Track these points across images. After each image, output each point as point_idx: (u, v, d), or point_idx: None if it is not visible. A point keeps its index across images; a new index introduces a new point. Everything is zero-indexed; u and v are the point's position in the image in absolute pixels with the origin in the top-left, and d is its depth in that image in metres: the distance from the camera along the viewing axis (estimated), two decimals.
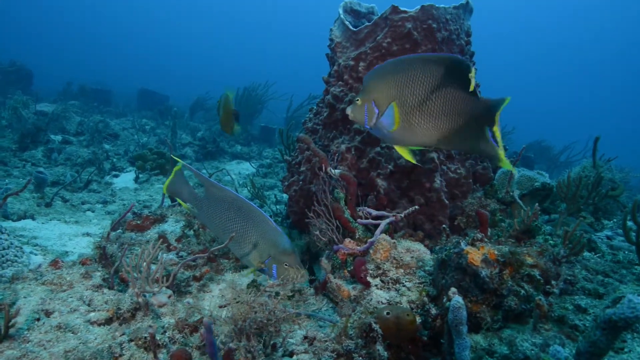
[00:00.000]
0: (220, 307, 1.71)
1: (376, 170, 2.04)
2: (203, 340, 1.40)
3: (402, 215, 1.83)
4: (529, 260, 1.35)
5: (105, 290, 1.63)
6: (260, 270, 1.79)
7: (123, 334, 1.37)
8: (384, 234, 1.69)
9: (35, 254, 2.25)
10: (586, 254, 1.60)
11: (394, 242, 1.66)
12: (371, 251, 1.64)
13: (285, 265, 1.73)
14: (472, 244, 1.34)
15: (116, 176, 4.66)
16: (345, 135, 2.19)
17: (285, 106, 7.78)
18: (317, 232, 1.88)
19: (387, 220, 1.80)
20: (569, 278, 1.40)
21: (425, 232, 2.06)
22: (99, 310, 1.49)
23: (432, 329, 1.34)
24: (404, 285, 1.46)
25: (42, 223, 2.83)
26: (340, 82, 2.21)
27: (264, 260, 1.78)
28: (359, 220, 1.85)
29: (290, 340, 1.52)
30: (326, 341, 1.36)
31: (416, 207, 1.84)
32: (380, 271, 1.53)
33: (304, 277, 1.77)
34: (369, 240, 1.71)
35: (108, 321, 1.47)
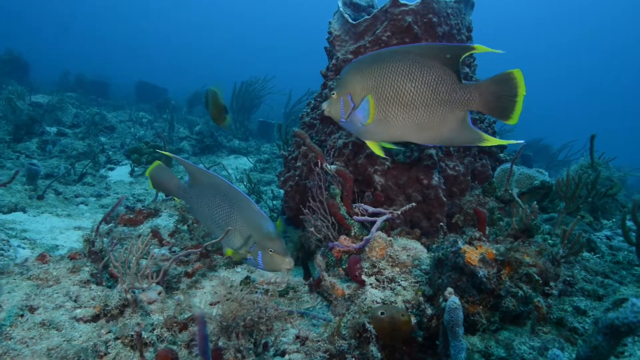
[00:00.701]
0: (211, 304, 1.67)
1: (373, 167, 2.00)
2: (192, 337, 1.36)
3: (399, 212, 1.79)
4: (528, 260, 1.32)
5: (93, 286, 1.59)
6: (245, 259, 1.72)
7: (109, 332, 1.33)
8: (380, 232, 1.66)
9: (24, 248, 2.20)
10: (585, 254, 1.57)
11: (390, 240, 1.62)
12: (367, 249, 1.60)
13: (270, 251, 1.66)
14: (470, 243, 1.30)
15: (111, 169, 4.61)
16: (343, 130, 2.15)
17: (284, 101, 7.72)
18: (312, 229, 1.84)
19: (384, 218, 1.76)
20: (568, 279, 1.36)
21: (422, 230, 2.02)
22: (85, 307, 1.45)
23: (428, 330, 1.30)
24: (399, 285, 1.42)
25: (33, 216, 2.79)
26: (338, 76, 2.17)
27: (249, 247, 1.71)
28: (354, 217, 1.82)
29: (283, 339, 1.49)
30: (319, 341, 1.33)
31: (413, 204, 1.80)
32: (375, 269, 1.50)
33: (290, 264, 1.69)
34: (365, 237, 1.67)
35: (94, 318, 1.43)
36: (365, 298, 1.39)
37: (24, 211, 2.84)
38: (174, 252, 2.23)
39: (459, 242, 1.26)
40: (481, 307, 1.22)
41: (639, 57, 39.18)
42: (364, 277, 1.48)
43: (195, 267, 1.97)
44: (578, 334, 1.12)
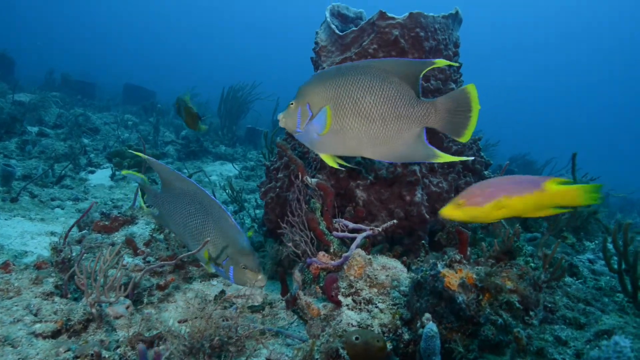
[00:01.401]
0: (180, 322, 1.60)
1: (356, 181, 1.96)
2: (156, 359, 1.29)
3: (380, 229, 1.74)
4: (509, 285, 1.28)
5: (57, 299, 1.51)
6: (216, 270, 1.66)
7: (68, 350, 1.26)
8: (359, 249, 1.60)
9: None
10: (567, 279, 1.54)
11: (370, 259, 1.57)
12: (345, 267, 1.55)
13: (243, 267, 1.61)
14: (450, 266, 1.26)
15: (92, 172, 4.51)
16: None
17: (272, 107, 7.67)
18: (290, 244, 1.79)
19: (364, 235, 1.71)
20: (549, 305, 1.32)
21: (403, 247, 1.98)
22: (46, 321, 1.38)
23: (405, 356, 1.25)
24: (376, 307, 1.37)
25: (4, 219, 2.68)
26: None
27: (221, 261, 1.65)
28: (334, 232, 1.76)
29: (255, 359, 1.43)
30: None
31: (394, 221, 1.75)
32: (352, 290, 1.44)
33: (262, 281, 1.64)
34: (344, 255, 1.62)
35: (55, 334, 1.36)
36: (341, 320, 1.33)
37: None
38: (149, 262, 2.16)
39: (439, 266, 1.22)
40: (459, 334, 1.17)
41: (630, 78, 39.97)
42: (340, 297, 1.42)
43: (168, 280, 1.90)
44: None
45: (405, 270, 1.64)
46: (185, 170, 5.29)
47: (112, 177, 4.34)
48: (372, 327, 1.30)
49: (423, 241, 1.89)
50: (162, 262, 1.83)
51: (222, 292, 1.93)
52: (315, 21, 2.33)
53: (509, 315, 1.15)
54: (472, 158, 1.42)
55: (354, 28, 2.05)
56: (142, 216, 2.64)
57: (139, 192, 2.95)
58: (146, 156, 1.73)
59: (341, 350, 1.15)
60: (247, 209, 3.68)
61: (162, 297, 1.83)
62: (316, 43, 2.17)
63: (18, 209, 2.92)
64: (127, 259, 2.14)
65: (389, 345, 1.21)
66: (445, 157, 1.37)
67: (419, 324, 1.21)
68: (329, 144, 1.44)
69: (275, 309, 1.89)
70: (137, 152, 1.82)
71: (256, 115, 8.95)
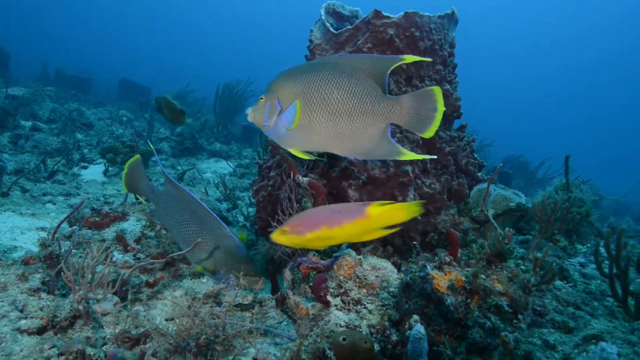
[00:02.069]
0: (167, 320, 1.58)
1: (348, 181, 1.95)
2: (141, 357, 1.28)
3: None
4: (498, 287, 1.27)
5: (43, 295, 1.49)
6: (214, 275, 1.70)
7: (53, 346, 1.24)
8: (349, 249, 1.60)
9: None
10: (558, 282, 1.53)
11: (360, 259, 1.56)
12: (335, 267, 1.55)
13: (242, 274, 1.64)
14: (439, 268, 1.25)
15: (85, 168, 4.48)
16: None
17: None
18: None
19: None
20: (538, 309, 1.32)
21: (395, 248, 1.97)
22: (31, 318, 1.36)
23: (392, 357, 1.25)
24: (365, 307, 1.36)
25: None
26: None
27: (219, 270, 1.70)
28: None
29: (242, 358, 1.42)
30: None
31: None
32: (341, 290, 1.44)
33: (261, 284, 1.69)
34: (334, 255, 1.61)
35: (41, 330, 1.34)
36: (329, 320, 1.33)
37: None
38: (139, 259, 2.14)
39: (428, 267, 1.21)
40: (447, 336, 1.17)
41: (627, 80, 40.17)
42: (329, 297, 1.42)
43: (158, 277, 1.88)
44: None
45: (395, 271, 1.63)
46: (179, 167, 5.27)
47: (105, 172, 4.31)
48: (361, 328, 1.30)
49: (414, 242, 1.89)
50: (152, 260, 1.82)
51: (217, 293, 1.92)
52: (311, 18, 2.32)
53: (497, 318, 1.14)
54: (435, 157, 1.45)
55: (349, 26, 2.04)
56: (133, 213, 2.62)
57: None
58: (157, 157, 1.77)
59: (328, 351, 1.14)
60: (240, 207, 3.67)
61: (151, 295, 1.81)
62: (311, 41, 2.16)
63: (9, 204, 2.90)
64: (117, 256, 2.13)
65: (376, 347, 1.21)
66: (409, 155, 1.40)
67: (407, 326, 1.20)
68: (297, 139, 1.45)
69: (265, 308, 1.87)
70: (151, 146, 1.82)
71: None
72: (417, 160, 2.00)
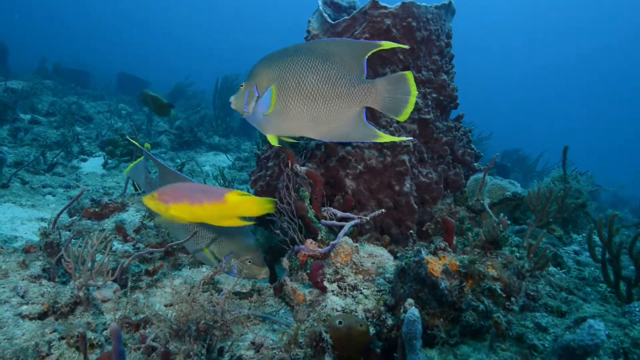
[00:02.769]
0: (166, 306, 1.61)
1: (345, 170, 1.97)
2: (141, 341, 1.30)
3: (368, 218, 1.75)
4: (492, 272, 1.29)
5: (44, 282, 1.51)
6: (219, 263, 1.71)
7: (54, 331, 1.26)
8: (346, 237, 1.62)
9: None
10: (552, 268, 1.55)
11: (356, 246, 1.58)
12: (332, 254, 1.57)
13: (249, 262, 1.66)
14: (434, 253, 1.27)
15: (84, 160, 4.49)
16: None
17: None
18: (278, 231, 1.80)
19: (352, 223, 1.72)
20: (531, 294, 1.34)
21: (392, 237, 1.99)
22: (33, 303, 1.38)
23: (388, 341, 1.27)
24: (361, 293, 1.38)
25: None
26: None
27: (224, 257, 1.70)
28: (322, 221, 1.77)
29: (240, 344, 1.44)
30: (274, 349, 1.28)
31: (382, 210, 1.76)
32: (338, 276, 1.46)
33: (266, 274, 1.70)
34: (331, 242, 1.63)
35: (42, 316, 1.36)
36: (326, 305, 1.35)
37: None
38: (138, 248, 2.16)
39: (423, 252, 1.23)
40: (441, 319, 1.19)
41: (627, 74, 40.09)
42: (326, 283, 1.44)
43: (157, 266, 1.90)
44: (537, 351, 1.10)
45: (391, 258, 1.65)
46: (178, 160, 5.28)
47: (105, 165, 4.33)
48: (357, 313, 1.32)
49: (411, 231, 1.91)
50: (151, 249, 1.84)
51: (211, 278, 1.94)
52: (309, 10, 2.33)
53: (490, 301, 1.16)
54: (410, 138, 1.49)
55: (346, 17, 2.05)
56: (132, 203, 2.64)
57: (130, 181, 2.95)
58: (145, 151, 1.76)
59: (324, 334, 1.16)
60: None
61: (150, 283, 1.83)
62: (308, 32, 2.17)
63: (8, 195, 2.91)
64: (117, 245, 2.15)
65: (372, 330, 1.23)
66: (384, 137, 1.43)
67: (402, 309, 1.22)
68: (274, 124, 1.49)
69: (264, 296, 1.90)
70: (132, 140, 1.84)
71: None
72: (414, 149, 2.02)
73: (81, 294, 1.46)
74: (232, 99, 1.53)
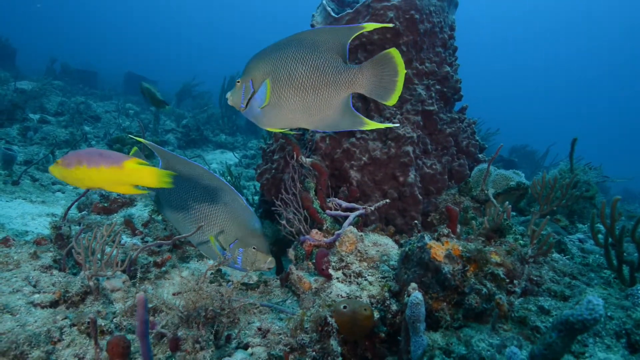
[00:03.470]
0: (174, 294, 1.63)
1: (350, 162, 1.98)
2: (151, 328, 1.33)
3: (372, 208, 1.77)
4: (495, 259, 1.30)
5: (55, 272, 1.55)
6: (215, 255, 1.68)
7: (65, 318, 1.29)
8: (351, 227, 1.64)
9: None
10: (555, 255, 1.56)
11: (361, 235, 1.60)
12: (337, 243, 1.58)
13: (254, 248, 1.62)
14: (438, 239, 1.28)
15: None
16: None
17: None
18: (284, 222, 1.82)
19: (357, 213, 1.74)
20: (535, 279, 1.35)
21: (397, 227, 2.01)
22: (44, 292, 1.41)
23: (392, 326, 1.28)
24: (365, 279, 1.40)
25: (6, 201, 2.72)
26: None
27: (229, 244, 1.66)
28: (327, 211, 1.79)
29: (247, 331, 1.46)
30: (280, 334, 1.30)
31: (387, 200, 1.78)
32: (343, 264, 1.48)
33: (272, 263, 1.66)
34: (336, 232, 1.65)
35: (53, 304, 1.39)
36: (331, 292, 1.37)
37: None
38: (146, 242, 2.19)
39: (426, 238, 1.25)
40: (445, 303, 1.20)
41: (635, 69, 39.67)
42: (331, 271, 1.46)
43: (165, 258, 1.93)
44: (540, 332, 1.11)
45: (396, 247, 1.67)
46: (185, 158, 5.32)
47: None
48: (361, 298, 1.33)
49: (416, 221, 1.92)
50: (158, 242, 1.86)
51: (219, 270, 1.97)
52: (313, 4, 2.34)
53: (493, 285, 1.18)
54: (398, 125, 1.48)
55: (349, 10, 2.06)
56: (140, 199, 2.68)
57: None
58: (147, 142, 1.75)
59: (329, 319, 1.18)
60: (245, 195, 3.71)
61: (158, 274, 1.86)
62: (312, 26, 2.19)
63: (19, 192, 2.96)
64: (125, 239, 2.18)
65: (376, 315, 1.25)
66: (371, 125, 1.43)
67: (406, 294, 1.24)
68: (270, 117, 1.50)
69: (270, 287, 1.92)
70: (137, 138, 1.84)
71: None
72: (419, 141, 2.03)
73: (91, 283, 1.49)
74: (228, 95, 1.55)
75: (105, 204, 2.56)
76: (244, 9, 54.03)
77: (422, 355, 1.03)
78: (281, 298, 1.83)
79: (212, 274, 1.95)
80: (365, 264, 1.48)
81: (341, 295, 1.34)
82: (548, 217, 1.42)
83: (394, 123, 2.00)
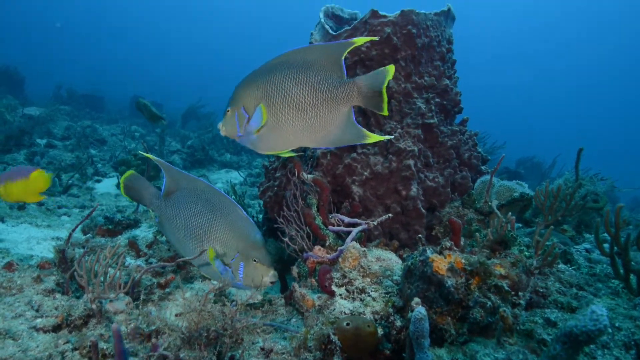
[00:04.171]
0: (177, 315, 1.62)
1: (352, 177, 1.98)
2: (153, 350, 1.32)
3: (375, 223, 1.76)
4: (499, 271, 1.29)
5: (58, 296, 1.54)
6: (218, 275, 1.66)
7: (68, 342, 1.29)
8: (354, 242, 1.62)
9: None
10: (561, 266, 1.54)
11: (364, 251, 1.59)
12: (340, 259, 1.57)
13: (254, 260, 1.60)
14: (440, 252, 1.27)
15: (98, 181, 4.58)
16: None
17: None
18: (287, 239, 1.81)
19: (359, 229, 1.73)
20: (541, 290, 1.33)
21: (400, 242, 1.99)
22: (47, 317, 1.41)
23: (397, 342, 1.26)
24: (369, 295, 1.38)
25: (12, 226, 2.74)
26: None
27: (230, 259, 1.64)
28: (330, 227, 1.79)
29: (251, 352, 1.44)
30: (283, 353, 1.28)
31: (389, 215, 1.77)
32: (346, 280, 1.46)
33: (274, 277, 1.63)
34: (339, 248, 1.63)
35: (56, 328, 1.39)
36: (334, 309, 1.35)
37: (2, 221, 2.79)
38: (151, 263, 2.19)
39: (428, 251, 1.23)
40: (450, 317, 1.18)
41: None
42: (334, 287, 1.44)
43: (169, 279, 1.93)
44: (546, 345, 1.08)
45: (400, 262, 1.65)
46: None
47: (119, 185, 4.40)
48: (365, 315, 1.32)
49: (420, 235, 1.90)
50: (163, 263, 1.86)
51: (219, 290, 1.95)
52: (313, 23, 2.37)
53: (497, 297, 1.16)
54: (393, 137, 1.55)
55: (347, 27, 2.08)
56: (145, 220, 2.69)
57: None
58: (153, 157, 1.76)
59: (332, 336, 1.17)
60: (250, 213, 3.71)
61: (162, 296, 1.85)
62: (311, 43, 2.21)
63: (25, 216, 2.98)
64: (130, 260, 2.18)
65: (380, 331, 1.23)
66: (373, 137, 1.44)
67: (409, 309, 1.22)
68: (269, 141, 1.50)
69: (275, 306, 1.90)
70: (145, 154, 1.86)
71: None
72: (420, 154, 2.03)
73: (94, 306, 1.49)
74: (220, 126, 1.54)
75: (110, 226, 2.57)
76: (244, 32, 54.94)
77: None
78: (286, 317, 1.81)
79: (214, 294, 1.94)
80: (369, 279, 1.46)
81: (344, 312, 1.32)
82: (552, 227, 1.40)
83: (395, 137, 2.00)
